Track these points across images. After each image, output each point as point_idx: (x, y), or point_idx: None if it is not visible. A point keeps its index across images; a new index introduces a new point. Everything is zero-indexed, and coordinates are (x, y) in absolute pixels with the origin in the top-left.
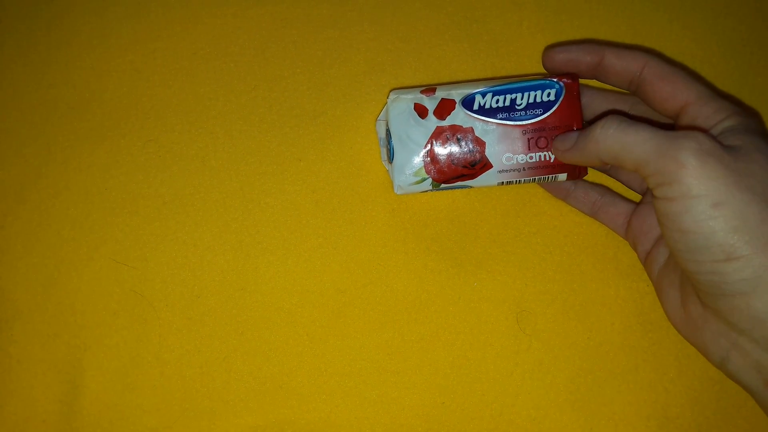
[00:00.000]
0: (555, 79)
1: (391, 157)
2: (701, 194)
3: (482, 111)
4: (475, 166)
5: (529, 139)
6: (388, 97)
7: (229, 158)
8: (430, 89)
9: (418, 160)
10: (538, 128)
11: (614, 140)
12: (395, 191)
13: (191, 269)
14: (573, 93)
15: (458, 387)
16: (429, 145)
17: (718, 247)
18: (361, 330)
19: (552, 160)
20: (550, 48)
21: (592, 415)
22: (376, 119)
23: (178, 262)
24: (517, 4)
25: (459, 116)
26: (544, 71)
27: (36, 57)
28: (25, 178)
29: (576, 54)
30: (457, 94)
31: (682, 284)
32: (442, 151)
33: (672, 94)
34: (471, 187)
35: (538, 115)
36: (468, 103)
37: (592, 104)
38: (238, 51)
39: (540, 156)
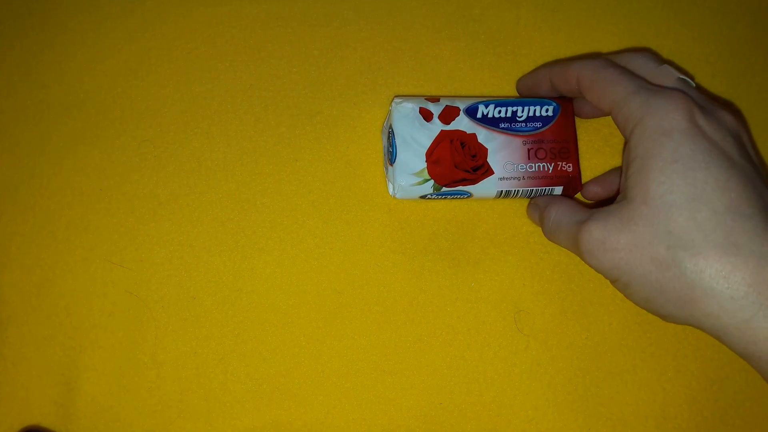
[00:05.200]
0: (551, 99)
1: (392, 159)
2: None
3: (485, 119)
4: (477, 171)
5: (528, 150)
6: (391, 103)
7: (224, 158)
8: (433, 98)
9: (422, 160)
10: (538, 140)
11: (560, 236)
12: (394, 193)
13: (187, 270)
14: (568, 112)
15: (456, 388)
16: (433, 147)
17: None
18: (358, 331)
19: (550, 171)
20: (518, 80)
21: (590, 415)
22: (382, 127)
23: (173, 263)
24: (514, 3)
25: (463, 122)
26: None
27: (29, 56)
28: (19, 178)
29: (532, 80)
30: (460, 102)
31: None
32: (446, 154)
33: (598, 101)
34: (470, 195)
35: (538, 128)
36: (472, 111)
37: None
38: (233, 50)
39: (539, 166)
